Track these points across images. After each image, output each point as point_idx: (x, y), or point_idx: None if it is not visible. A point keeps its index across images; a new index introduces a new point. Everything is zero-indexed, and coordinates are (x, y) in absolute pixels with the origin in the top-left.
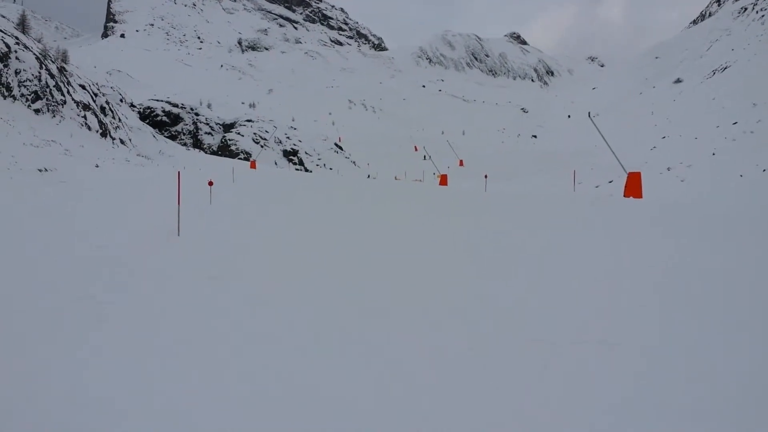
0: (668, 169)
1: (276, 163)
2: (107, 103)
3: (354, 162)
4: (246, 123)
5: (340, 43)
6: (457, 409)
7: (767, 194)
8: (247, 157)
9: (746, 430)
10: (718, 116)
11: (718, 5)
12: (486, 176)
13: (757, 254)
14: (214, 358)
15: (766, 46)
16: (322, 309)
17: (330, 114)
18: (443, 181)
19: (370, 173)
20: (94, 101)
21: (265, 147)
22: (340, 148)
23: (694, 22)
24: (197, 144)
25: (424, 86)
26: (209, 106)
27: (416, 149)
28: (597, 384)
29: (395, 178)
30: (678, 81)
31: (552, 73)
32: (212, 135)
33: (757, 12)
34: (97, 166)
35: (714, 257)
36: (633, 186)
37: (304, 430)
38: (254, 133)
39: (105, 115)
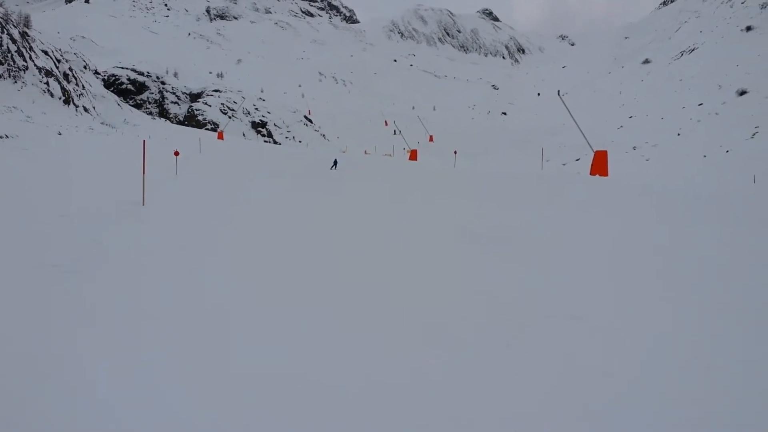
0: (634, 148)
1: (244, 135)
2: (70, 69)
3: (323, 135)
4: (213, 93)
5: (311, 14)
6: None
7: (730, 174)
8: (215, 127)
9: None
10: (684, 97)
11: None
12: (455, 152)
13: (732, 235)
14: (194, 339)
15: (733, 29)
16: (286, 283)
17: (300, 86)
18: (413, 156)
19: (341, 147)
20: (57, 67)
21: (233, 118)
22: (310, 120)
23: (664, 3)
24: (163, 113)
25: (395, 60)
26: (176, 75)
27: (386, 124)
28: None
29: (365, 153)
30: (646, 61)
31: (523, 51)
32: (179, 104)
33: None
34: (59, 134)
35: (699, 240)
36: (599, 164)
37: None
38: (222, 104)
39: (68, 81)
